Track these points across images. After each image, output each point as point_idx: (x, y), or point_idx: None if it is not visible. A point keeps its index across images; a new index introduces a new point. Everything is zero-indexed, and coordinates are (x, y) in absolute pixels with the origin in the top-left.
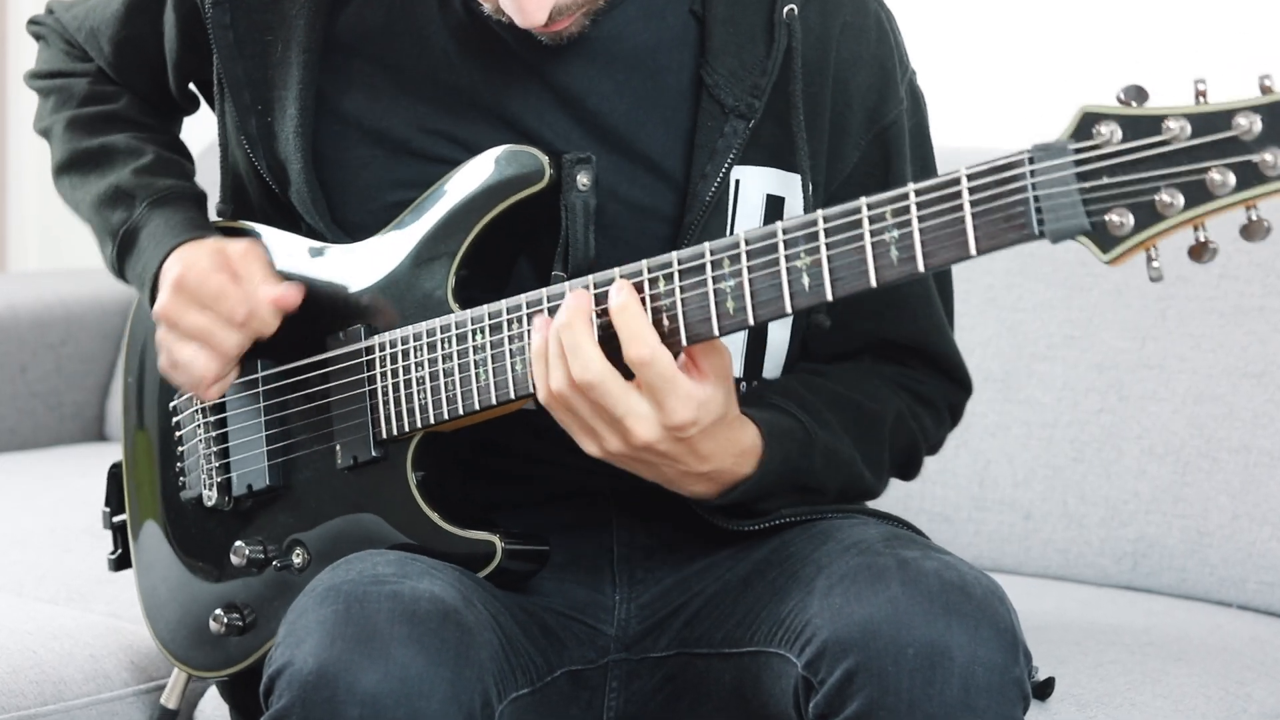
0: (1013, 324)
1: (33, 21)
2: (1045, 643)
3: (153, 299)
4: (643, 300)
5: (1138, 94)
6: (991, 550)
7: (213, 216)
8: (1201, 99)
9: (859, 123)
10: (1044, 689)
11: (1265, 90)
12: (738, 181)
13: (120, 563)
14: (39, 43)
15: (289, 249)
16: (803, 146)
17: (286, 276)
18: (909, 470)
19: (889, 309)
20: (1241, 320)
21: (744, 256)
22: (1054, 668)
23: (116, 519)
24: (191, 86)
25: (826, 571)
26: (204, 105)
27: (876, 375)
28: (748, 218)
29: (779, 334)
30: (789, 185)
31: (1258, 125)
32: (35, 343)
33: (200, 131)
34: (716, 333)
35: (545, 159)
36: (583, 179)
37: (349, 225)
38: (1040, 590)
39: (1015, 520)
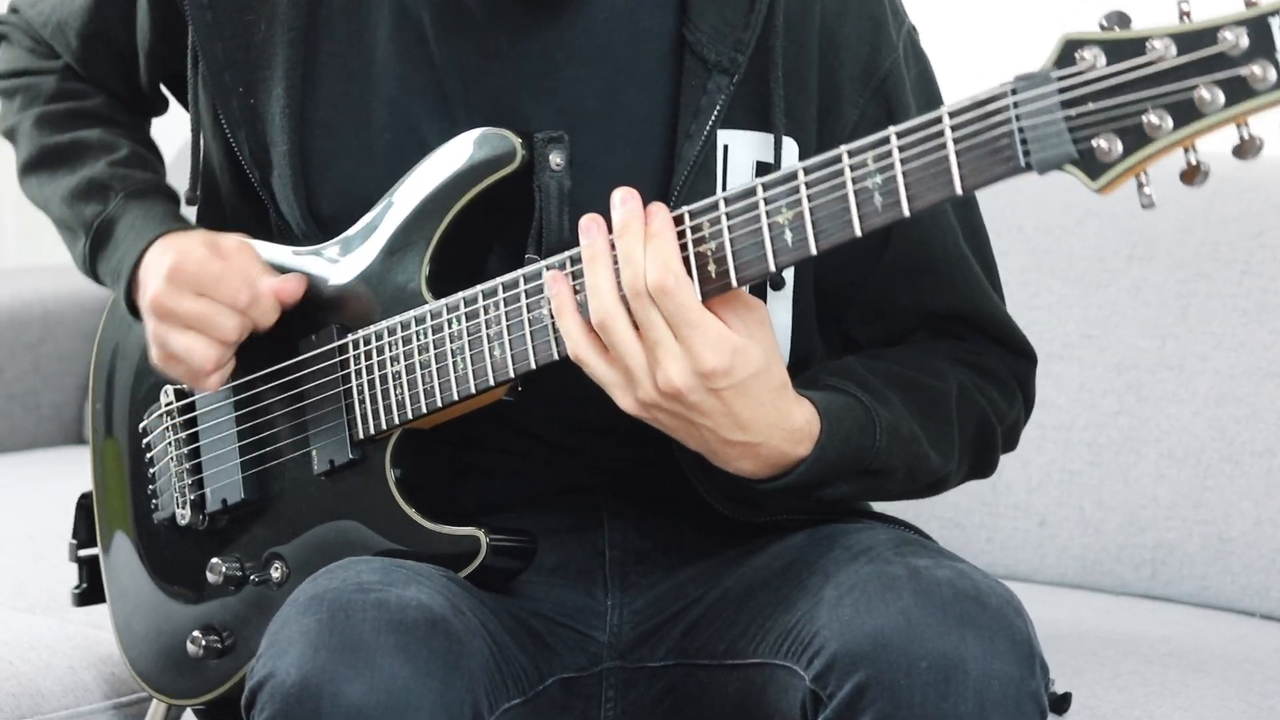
0: (1027, 322)
1: None
2: (1061, 653)
3: (129, 293)
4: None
5: (1120, 19)
6: (1005, 557)
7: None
8: (1186, 19)
9: (853, 78)
10: (1060, 703)
11: (1249, 4)
12: (726, 147)
13: (85, 597)
14: (2, 42)
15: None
16: (779, 105)
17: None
18: (986, 455)
19: (925, 275)
20: (1265, 318)
21: (724, 217)
22: (1070, 678)
23: (83, 552)
24: (161, 86)
25: (835, 580)
26: (174, 106)
27: (932, 352)
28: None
29: (780, 317)
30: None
31: (1244, 39)
32: (12, 342)
33: (171, 135)
34: (699, 297)
35: (517, 140)
36: (556, 159)
37: (321, 217)
38: (1055, 599)
39: (1029, 526)
